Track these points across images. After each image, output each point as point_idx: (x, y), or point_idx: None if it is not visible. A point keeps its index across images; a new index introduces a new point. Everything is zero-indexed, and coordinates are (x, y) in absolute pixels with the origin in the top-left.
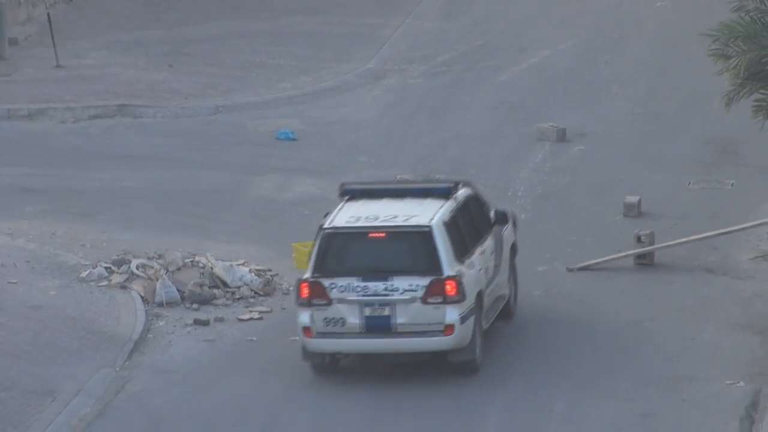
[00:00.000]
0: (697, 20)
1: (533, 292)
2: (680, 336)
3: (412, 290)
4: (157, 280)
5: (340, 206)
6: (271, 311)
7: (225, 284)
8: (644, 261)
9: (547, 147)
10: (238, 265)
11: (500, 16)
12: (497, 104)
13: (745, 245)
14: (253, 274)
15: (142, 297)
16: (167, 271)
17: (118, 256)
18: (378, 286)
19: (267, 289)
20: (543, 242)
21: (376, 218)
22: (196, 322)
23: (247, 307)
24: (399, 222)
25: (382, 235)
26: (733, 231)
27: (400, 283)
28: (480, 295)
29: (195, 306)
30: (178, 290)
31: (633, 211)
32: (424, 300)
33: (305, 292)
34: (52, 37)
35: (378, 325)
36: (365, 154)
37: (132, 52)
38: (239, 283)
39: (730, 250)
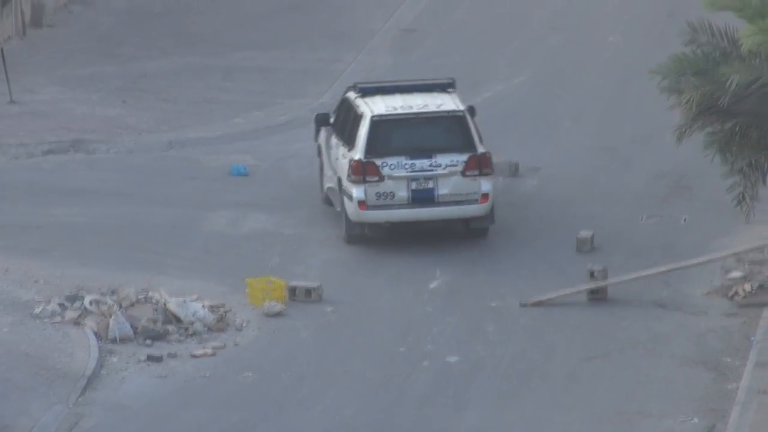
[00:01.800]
0: (649, 54)
1: (486, 327)
2: (634, 372)
3: (452, 165)
4: (111, 316)
5: (362, 101)
6: (224, 347)
7: (178, 320)
8: (597, 296)
9: (500, 181)
10: (192, 300)
11: (453, 51)
12: None
13: (698, 280)
14: (206, 309)
15: (95, 333)
16: (120, 306)
17: (71, 292)
18: (423, 162)
19: (220, 324)
20: (496, 278)
21: (411, 107)
22: (150, 358)
23: (200, 343)
24: (434, 108)
25: (424, 119)
26: (686, 266)
27: (443, 159)
28: None
29: (148, 342)
30: (131, 326)
31: (586, 246)
32: (463, 173)
33: (359, 170)
34: (6, 73)
35: (423, 197)
36: (319, 188)
37: (86, 87)
38: (192, 319)
39: (684, 285)
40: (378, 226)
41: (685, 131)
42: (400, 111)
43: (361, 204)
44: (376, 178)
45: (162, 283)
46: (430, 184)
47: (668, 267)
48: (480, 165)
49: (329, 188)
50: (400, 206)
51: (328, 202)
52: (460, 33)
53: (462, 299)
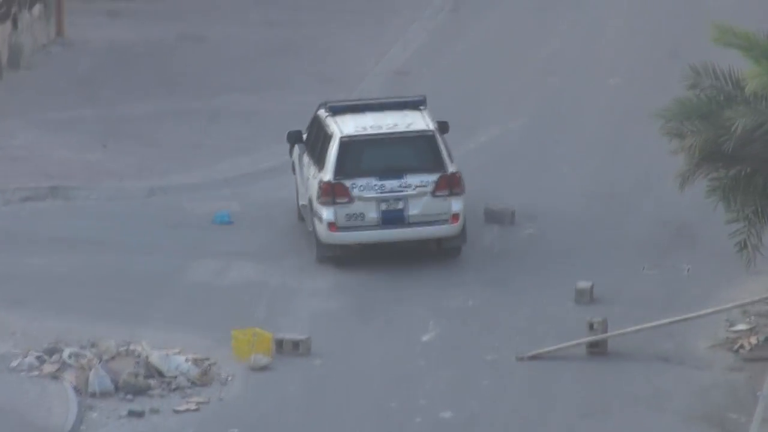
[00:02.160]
0: (651, 97)
1: (481, 382)
2: (635, 429)
3: (422, 185)
4: (90, 369)
5: (332, 120)
6: (208, 402)
7: (161, 374)
8: (597, 349)
9: (496, 230)
10: (175, 353)
11: (447, 94)
12: None
13: (702, 333)
14: (190, 363)
15: (74, 387)
16: (101, 360)
17: (49, 344)
18: (393, 183)
19: (204, 378)
20: (492, 330)
21: (380, 127)
22: (131, 413)
23: (183, 397)
24: (403, 128)
25: (394, 139)
26: (689, 318)
27: (412, 179)
28: None
29: (129, 396)
30: (112, 380)
31: (585, 297)
32: (433, 193)
33: (329, 192)
34: None
35: (394, 218)
36: (307, 236)
37: (65, 131)
38: (175, 373)
39: (687, 337)
40: (349, 248)
41: (688, 177)
42: (369, 131)
43: (331, 226)
44: (346, 200)
45: (144, 335)
46: (400, 205)
47: (671, 319)
48: (450, 185)
49: (302, 205)
50: (370, 227)
51: (302, 218)
52: (455, 75)
53: (456, 352)
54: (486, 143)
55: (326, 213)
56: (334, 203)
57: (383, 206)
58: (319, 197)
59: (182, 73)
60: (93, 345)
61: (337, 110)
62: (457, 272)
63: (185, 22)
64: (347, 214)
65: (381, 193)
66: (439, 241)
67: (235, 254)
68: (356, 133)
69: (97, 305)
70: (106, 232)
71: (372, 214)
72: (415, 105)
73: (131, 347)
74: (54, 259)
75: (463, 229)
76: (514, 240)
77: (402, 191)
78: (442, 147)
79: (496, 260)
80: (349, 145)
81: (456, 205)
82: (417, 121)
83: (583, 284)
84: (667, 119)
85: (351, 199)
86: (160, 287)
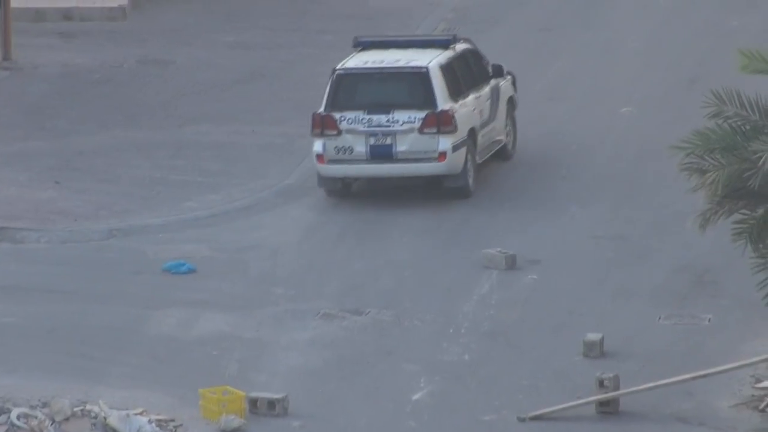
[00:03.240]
0: (667, 129)
1: None
2: None
3: (410, 122)
4: None
5: (352, 55)
6: None
7: None
8: (608, 409)
9: (494, 276)
10: (136, 414)
11: None
12: (437, 225)
13: (725, 390)
14: (153, 424)
15: None
16: (53, 421)
17: None
18: (381, 118)
19: None
20: (490, 387)
21: (382, 62)
22: None
23: None
24: (401, 64)
25: (385, 75)
26: (710, 374)
27: (400, 116)
28: (473, 132)
29: None
30: None
31: (594, 351)
32: (420, 130)
33: (318, 123)
34: None
35: (381, 153)
36: (283, 284)
37: (12, 166)
38: None
39: (708, 396)
40: (333, 182)
41: (710, 217)
42: (366, 66)
43: (320, 158)
44: (335, 132)
45: (102, 394)
46: (389, 141)
47: (690, 375)
48: (438, 122)
49: None
50: (358, 161)
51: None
52: None
53: (450, 413)
54: (484, 179)
55: (316, 145)
56: (323, 135)
57: (371, 141)
58: (311, 129)
59: (144, 101)
60: (45, 405)
61: (363, 45)
62: (452, 322)
63: (148, 44)
64: (336, 147)
65: (369, 127)
66: (440, 183)
67: (203, 304)
68: (352, 67)
69: (49, 360)
70: (59, 279)
71: (360, 148)
72: (444, 43)
73: (87, 407)
74: (1, 308)
75: (464, 170)
76: (514, 287)
77: (389, 126)
78: (436, 85)
79: (494, 309)
80: (342, 78)
81: (444, 143)
82: (422, 58)
83: (593, 336)
84: (686, 152)
85: (339, 132)
86: (120, 340)
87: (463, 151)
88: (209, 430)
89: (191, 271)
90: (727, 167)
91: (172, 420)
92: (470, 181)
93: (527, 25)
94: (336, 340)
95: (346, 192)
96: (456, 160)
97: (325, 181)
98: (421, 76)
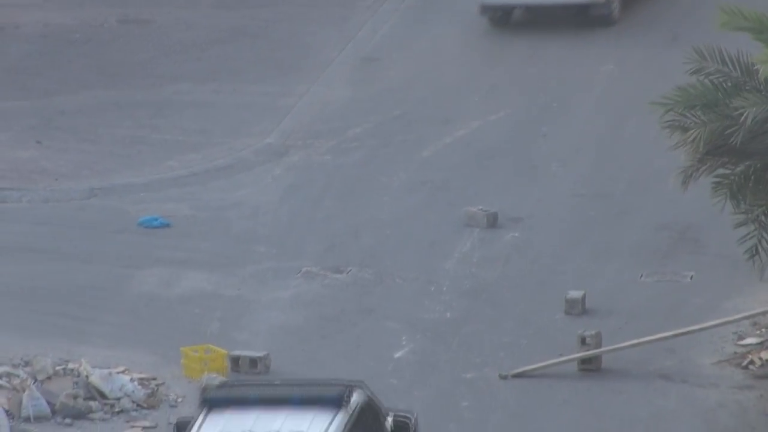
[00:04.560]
0: (649, 86)
1: (460, 403)
2: None
3: None
4: (24, 390)
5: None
6: (156, 426)
7: (103, 395)
8: (590, 366)
9: (476, 234)
10: (118, 373)
11: (421, 83)
12: (418, 184)
13: (708, 347)
14: (135, 383)
15: (6, 411)
16: (35, 380)
17: None
18: None
19: (151, 400)
20: (471, 345)
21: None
22: None
23: (128, 421)
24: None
25: None
26: (693, 331)
27: None
28: None
29: (68, 420)
30: (48, 402)
31: (576, 308)
32: None
33: None
34: None
35: None
36: (265, 242)
37: None
38: (119, 394)
39: (690, 353)
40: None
41: (692, 174)
42: None
43: None
44: None
45: (84, 352)
46: None
47: (672, 332)
48: None
49: None
50: None
51: None
52: (429, 62)
53: (432, 370)
54: (464, 137)
55: None
56: None
57: None
58: None
59: (125, 60)
60: (27, 364)
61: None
62: (433, 281)
63: (128, 3)
64: None
65: None
66: (586, 10)
67: (184, 263)
68: None
69: (31, 320)
70: (40, 239)
71: None
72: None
73: (69, 366)
74: None
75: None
76: (496, 245)
77: None
78: None
79: (476, 267)
80: None
81: None
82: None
83: (574, 294)
84: (667, 109)
85: None
86: (102, 299)
87: None
88: (191, 388)
89: (165, 225)
90: (708, 124)
91: (154, 378)
92: (615, 10)
93: None
94: (317, 298)
95: (506, 20)
96: None
97: (488, 10)
98: None
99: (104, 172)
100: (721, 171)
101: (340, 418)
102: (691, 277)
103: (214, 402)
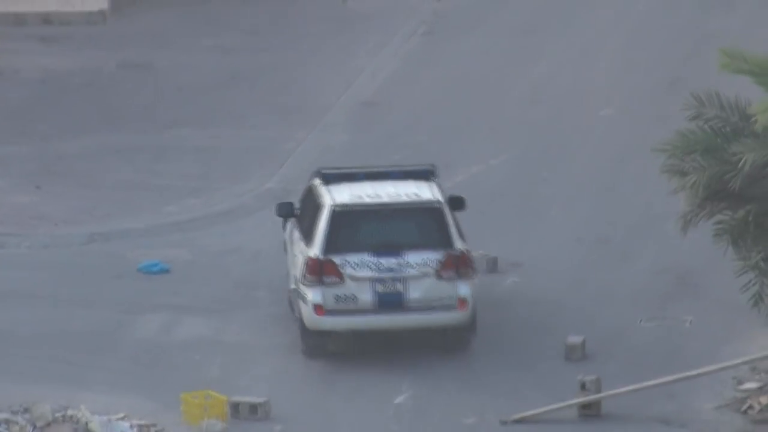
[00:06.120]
0: (647, 131)
1: None
2: None
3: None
4: None
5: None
6: None
7: None
8: (590, 411)
9: (475, 279)
10: (118, 419)
11: (420, 127)
12: None
13: (707, 392)
14: (135, 429)
15: None
16: (34, 427)
17: None
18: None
19: None
20: (472, 390)
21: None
22: None
23: None
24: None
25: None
26: (692, 376)
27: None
28: None
29: None
30: None
31: (576, 354)
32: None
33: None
34: None
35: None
36: (265, 288)
37: None
38: None
39: (690, 398)
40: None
41: (691, 219)
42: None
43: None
44: (336, 279)
45: (83, 399)
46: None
47: (672, 377)
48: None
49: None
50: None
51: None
52: (428, 106)
53: (432, 416)
54: (465, 182)
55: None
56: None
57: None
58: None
59: (125, 105)
60: (26, 410)
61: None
62: None
63: (128, 48)
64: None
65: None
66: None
67: (184, 308)
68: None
69: (30, 366)
70: (40, 284)
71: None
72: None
73: (69, 412)
74: None
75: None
76: (496, 290)
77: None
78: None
79: (477, 313)
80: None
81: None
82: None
83: (574, 339)
84: (667, 154)
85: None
86: (102, 345)
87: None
88: None
89: (164, 270)
90: (707, 169)
91: (154, 425)
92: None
93: (507, 29)
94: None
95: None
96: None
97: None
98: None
99: (104, 217)
100: (720, 217)
101: (435, 184)
102: (690, 322)
103: (329, 177)
